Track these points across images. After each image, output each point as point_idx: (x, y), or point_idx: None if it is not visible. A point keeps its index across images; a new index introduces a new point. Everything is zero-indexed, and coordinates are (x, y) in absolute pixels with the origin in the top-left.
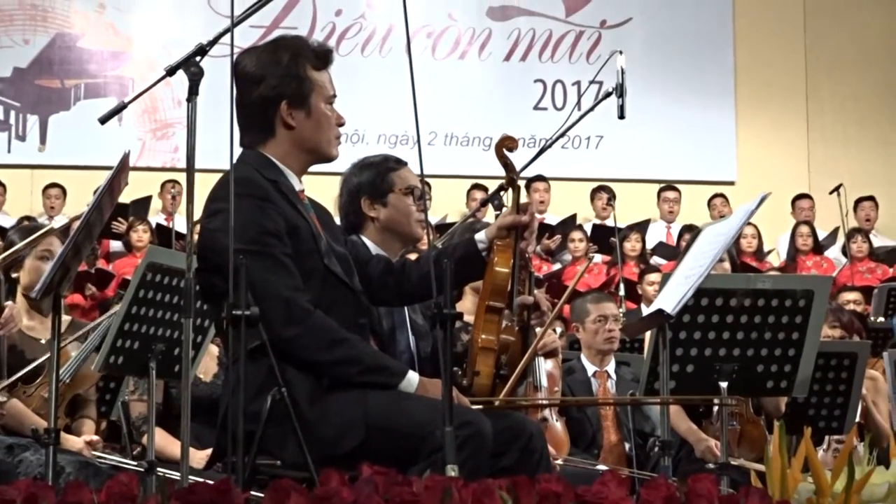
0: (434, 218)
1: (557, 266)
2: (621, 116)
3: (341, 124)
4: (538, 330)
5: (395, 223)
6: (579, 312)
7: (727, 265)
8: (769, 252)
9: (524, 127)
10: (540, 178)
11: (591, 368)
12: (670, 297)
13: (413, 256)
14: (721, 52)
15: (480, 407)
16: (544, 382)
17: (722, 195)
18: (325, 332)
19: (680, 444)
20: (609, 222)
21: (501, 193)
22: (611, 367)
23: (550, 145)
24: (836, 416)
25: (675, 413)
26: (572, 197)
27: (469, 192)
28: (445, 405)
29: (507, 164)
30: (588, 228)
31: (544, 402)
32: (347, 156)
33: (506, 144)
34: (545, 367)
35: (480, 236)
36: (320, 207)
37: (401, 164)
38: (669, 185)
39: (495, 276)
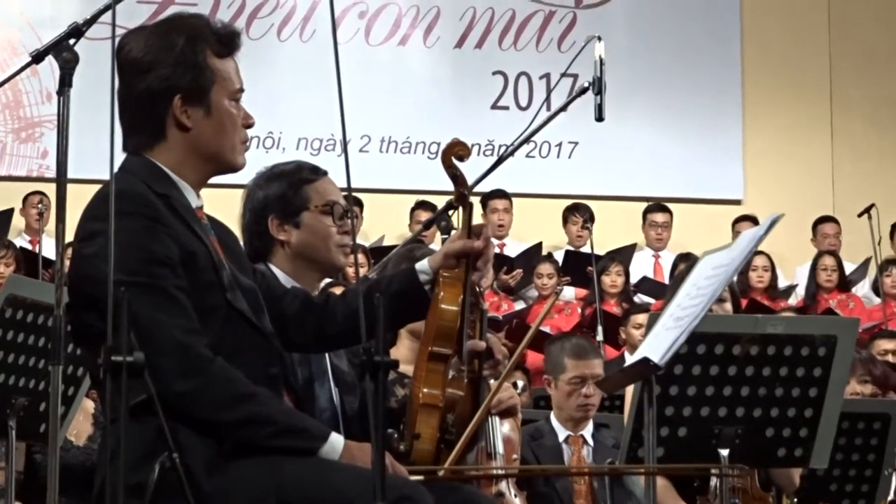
0: (367, 242)
1: (520, 305)
2: (599, 118)
3: (249, 125)
4: (493, 383)
5: (310, 248)
6: (555, 365)
7: (728, 305)
8: (791, 289)
9: (479, 130)
10: (499, 193)
11: (562, 433)
12: (658, 343)
13: (340, 290)
14: (725, 40)
15: (421, 478)
16: (500, 448)
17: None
18: (227, 385)
19: None
20: (585, 249)
21: (450, 213)
22: (588, 430)
23: (512, 153)
24: (864, 493)
25: (662, 487)
26: (539, 218)
27: (412, 211)
28: (377, 475)
29: (456, 177)
30: (559, 257)
31: (500, 471)
32: (259, 164)
33: (455, 152)
34: (501, 428)
35: (423, 266)
36: (223, 229)
37: (318, 173)
38: (658, 205)
39: (441, 315)
